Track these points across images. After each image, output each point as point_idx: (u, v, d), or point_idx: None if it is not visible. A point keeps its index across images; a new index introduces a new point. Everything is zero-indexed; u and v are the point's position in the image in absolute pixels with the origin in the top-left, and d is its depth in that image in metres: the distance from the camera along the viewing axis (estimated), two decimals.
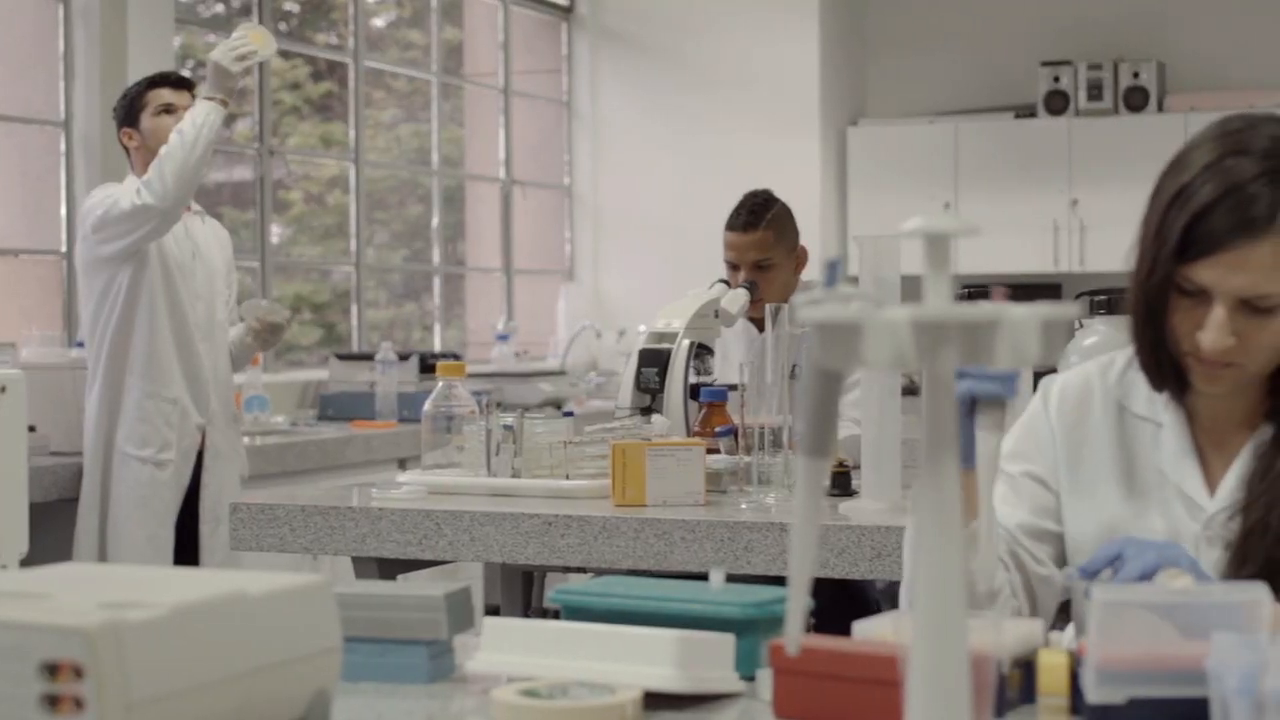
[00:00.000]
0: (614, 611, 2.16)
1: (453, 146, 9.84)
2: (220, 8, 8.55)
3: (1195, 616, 1.82)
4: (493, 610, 5.32)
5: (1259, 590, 1.80)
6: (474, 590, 5.94)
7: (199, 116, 5.18)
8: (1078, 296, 3.84)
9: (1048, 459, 2.44)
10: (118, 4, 6.69)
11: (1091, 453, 2.42)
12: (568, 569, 4.16)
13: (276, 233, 8.44)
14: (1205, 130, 2.27)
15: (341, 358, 7.62)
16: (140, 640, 1.56)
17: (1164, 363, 2.29)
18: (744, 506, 3.75)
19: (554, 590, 2.24)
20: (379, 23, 9.66)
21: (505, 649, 2.09)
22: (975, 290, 3.86)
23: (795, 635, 1.53)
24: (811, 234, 8.04)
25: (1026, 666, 1.99)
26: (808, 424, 1.49)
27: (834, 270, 1.54)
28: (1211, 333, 2.19)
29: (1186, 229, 2.17)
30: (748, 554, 3.57)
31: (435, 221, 9.47)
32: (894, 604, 2.78)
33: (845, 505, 3.77)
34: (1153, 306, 2.24)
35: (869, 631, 2.00)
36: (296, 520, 3.91)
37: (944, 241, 1.44)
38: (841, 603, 4.18)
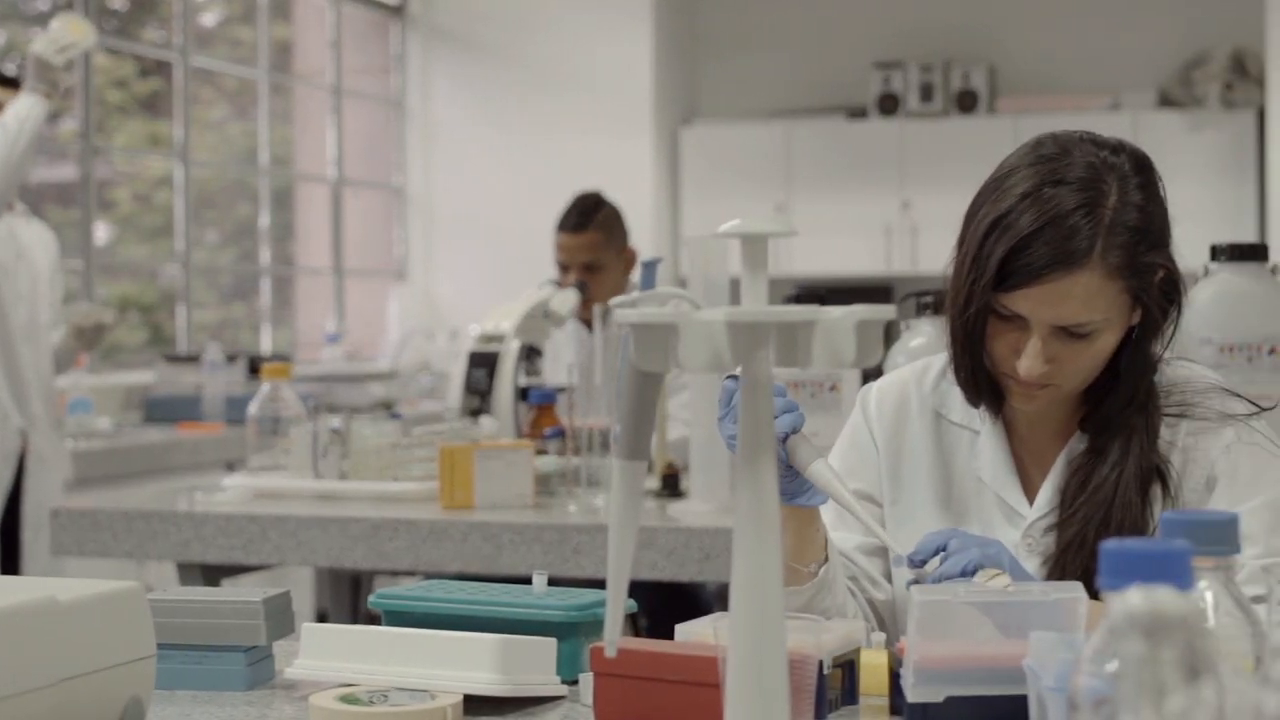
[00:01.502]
0: (435, 615, 2.14)
1: (282, 145, 9.75)
2: (44, 4, 8.41)
3: (1014, 615, 1.84)
4: (322, 615, 5.28)
5: (1076, 589, 1.81)
6: (303, 595, 5.90)
7: (21, 110, 5.09)
8: (904, 298, 3.87)
9: (872, 473, 2.44)
10: None
11: (910, 461, 2.42)
12: (396, 573, 4.13)
13: (103, 232, 8.31)
14: (1020, 154, 2.26)
15: (168, 359, 7.52)
16: None
17: (981, 382, 2.30)
18: (573, 509, 3.74)
19: (373, 595, 2.22)
20: (208, 19, 9.55)
21: (325, 654, 2.07)
22: (807, 292, 3.88)
23: (613, 638, 1.53)
24: (644, 235, 8.07)
25: (848, 666, 1.99)
26: (625, 426, 1.48)
27: (651, 271, 1.53)
28: (1028, 361, 2.20)
29: (1005, 260, 2.17)
30: (576, 556, 3.56)
31: (264, 221, 9.38)
32: (727, 606, 2.78)
33: (674, 507, 3.77)
34: (971, 333, 2.25)
35: (691, 634, 2.00)
36: (119, 525, 3.85)
37: (761, 243, 1.44)
38: (674, 605, 4.18)
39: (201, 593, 2.23)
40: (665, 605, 4.37)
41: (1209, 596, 1.33)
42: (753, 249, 1.44)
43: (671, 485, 3.93)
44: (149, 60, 8.83)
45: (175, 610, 2.15)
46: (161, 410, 7.14)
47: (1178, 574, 1.12)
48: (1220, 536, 1.33)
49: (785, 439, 2.09)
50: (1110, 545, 1.14)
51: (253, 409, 4.18)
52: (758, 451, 1.42)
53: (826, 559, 2.24)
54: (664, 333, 1.37)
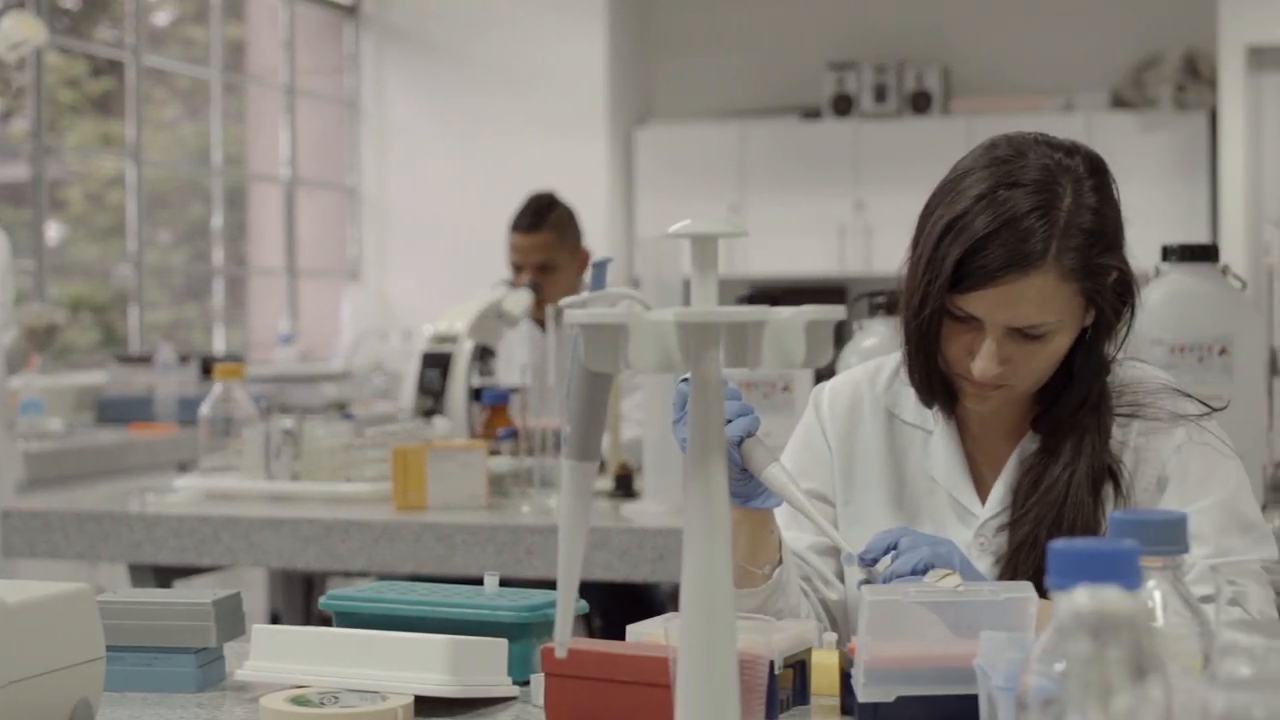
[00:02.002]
0: (386, 617, 2.14)
1: (235, 145, 9.72)
2: None
3: (964, 615, 1.84)
4: (275, 616, 5.26)
5: (1026, 589, 1.82)
6: (256, 596, 5.87)
7: None
8: (858, 298, 3.87)
9: (825, 472, 2.43)
10: None
11: (863, 461, 2.42)
12: (349, 574, 4.12)
13: (54, 232, 8.27)
14: (974, 155, 2.27)
15: (120, 360, 7.48)
16: None
17: (935, 382, 2.30)
18: (526, 510, 3.73)
19: (324, 596, 2.21)
20: (160, 19, 9.51)
21: (276, 656, 2.06)
22: (760, 293, 3.88)
23: (563, 639, 1.52)
24: (598, 235, 8.06)
25: (799, 667, 1.99)
26: (575, 427, 1.48)
27: (602, 271, 1.53)
28: (982, 362, 2.21)
29: (959, 261, 2.18)
30: (530, 557, 3.55)
31: (217, 221, 9.34)
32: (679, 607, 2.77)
33: (628, 508, 3.77)
34: (925, 334, 2.25)
35: (642, 634, 1.99)
36: (71, 527, 3.84)
37: (711, 243, 1.44)
38: (629, 606, 4.18)
39: (151, 594, 2.23)
40: (619, 606, 4.37)
41: (1157, 596, 1.33)
42: (702, 249, 1.44)
43: (625, 486, 3.93)
44: (101, 59, 8.79)
45: (125, 612, 2.14)
46: (113, 411, 7.10)
47: (1125, 574, 1.12)
48: (1168, 536, 1.34)
49: (740, 442, 2.09)
50: (1058, 545, 1.14)
51: (205, 410, 4.16)
52: (708, 452, 1.42)
53: (780, 561, 2.24)
54: (614, 333, 1.37)
